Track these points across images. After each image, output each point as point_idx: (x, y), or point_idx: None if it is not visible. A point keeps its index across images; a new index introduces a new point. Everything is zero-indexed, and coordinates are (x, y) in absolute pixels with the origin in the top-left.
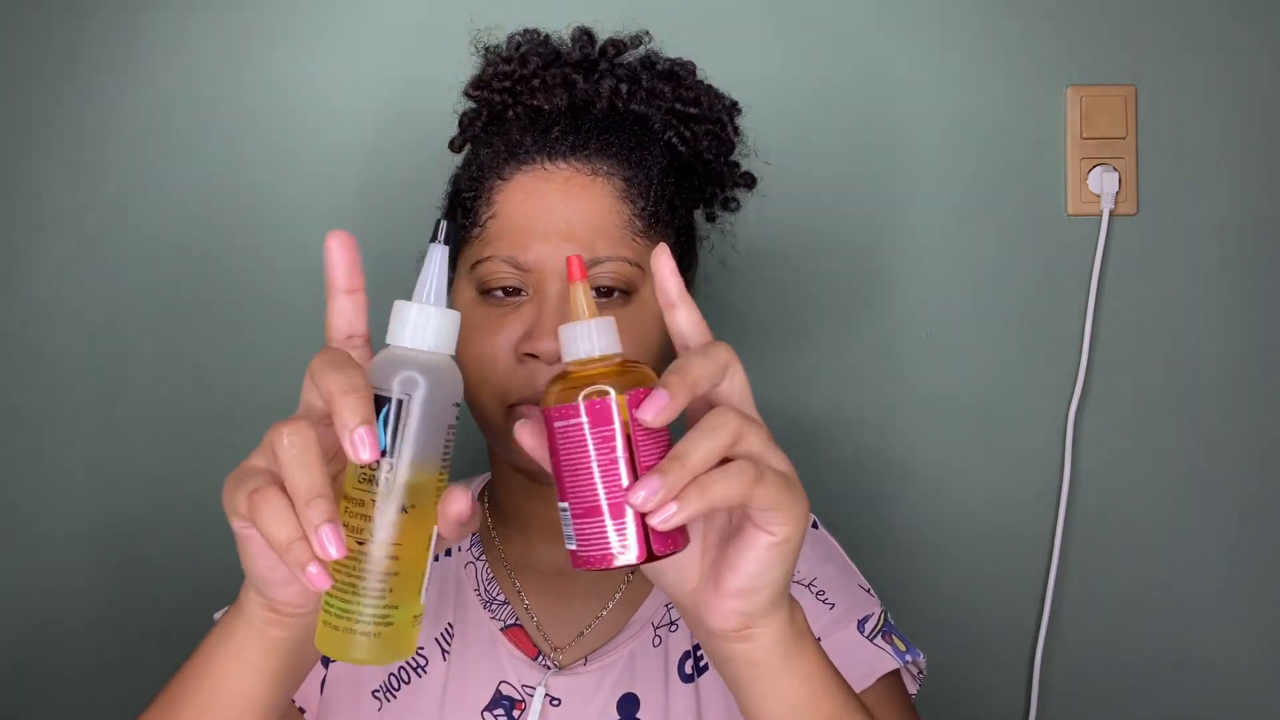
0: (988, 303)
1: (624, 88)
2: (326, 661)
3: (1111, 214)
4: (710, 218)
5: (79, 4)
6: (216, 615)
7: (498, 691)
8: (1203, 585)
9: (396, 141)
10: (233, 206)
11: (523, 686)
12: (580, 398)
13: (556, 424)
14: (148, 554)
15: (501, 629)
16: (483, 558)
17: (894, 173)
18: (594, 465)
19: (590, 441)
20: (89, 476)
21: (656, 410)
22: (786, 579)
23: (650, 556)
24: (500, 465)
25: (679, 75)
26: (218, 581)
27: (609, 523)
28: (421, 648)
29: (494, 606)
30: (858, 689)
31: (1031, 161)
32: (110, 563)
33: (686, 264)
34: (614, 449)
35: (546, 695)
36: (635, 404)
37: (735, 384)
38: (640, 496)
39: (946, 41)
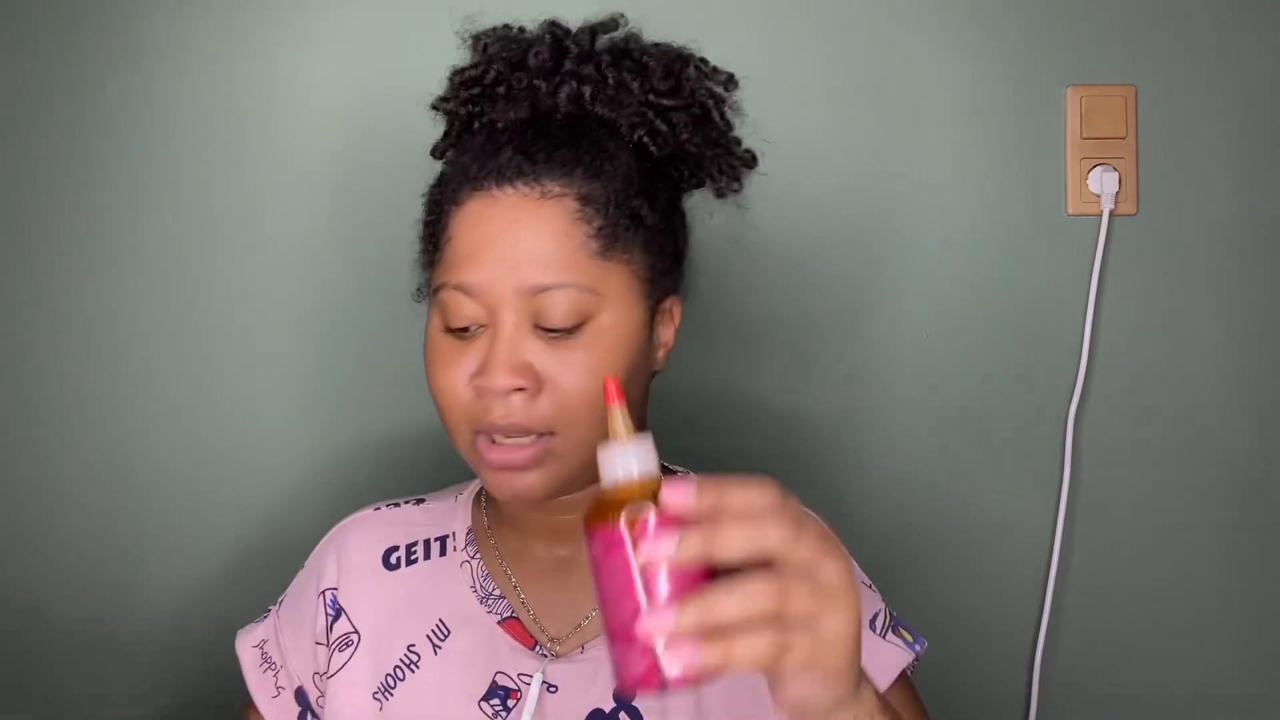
0: (988, 302)
1: (586, 91)
2: (301, 699)
3: (1111, 214)
4: (719, 194)
5: (72, 4)
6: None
7: (493, 682)
8: (1202, 585)
9: (386, 140)
10: (222, 207)
11: (519, 675)
12: (613, 522)
13: (593, 544)
14: (146, 556)
15: (498, 622)
16: (478, 556)
17: (894, 172)
18: (621, 588)
19: (618, 565)
20: (89, 477)
21: (680, 494)
22: (846, 696)
23: (665, 687)
24: None
25: (648, 66)
26: (215, 586)
27: (628, 647)
28: (413, 645)
29: (490, 601)
30: (881, 689)
31: (1031, 161)
32: (109, 564)
33: (663, 268)
34: (634, 573)
35: (544, 682)
36: (662, 528)
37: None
38: (652, 625)
39: (947, 41)
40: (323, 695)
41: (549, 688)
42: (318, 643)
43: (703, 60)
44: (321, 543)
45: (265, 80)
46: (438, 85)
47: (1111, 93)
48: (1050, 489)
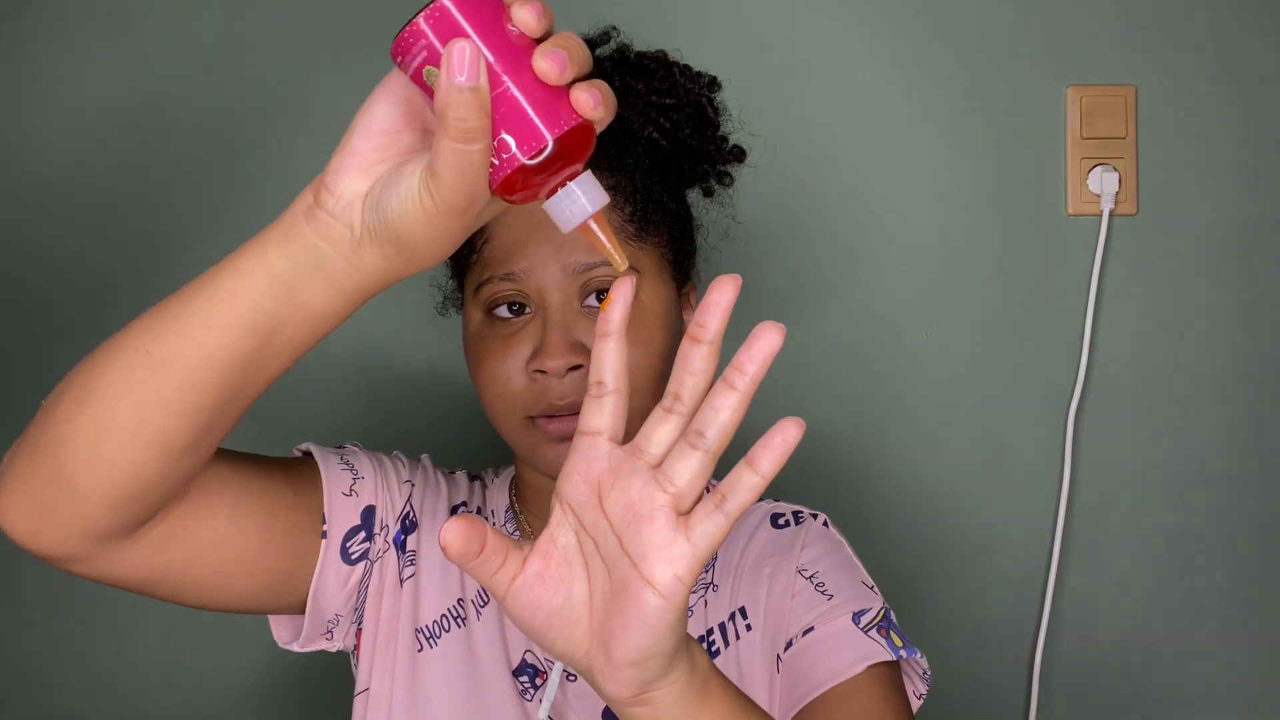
0: (988, 303)
1: None
2: (367, 519)
3: (1111, 214)
4: (707, 193)
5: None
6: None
7: (524, 660)
8: (1202, 585)
9: None
10: (250, 207)
11: (545, 658)
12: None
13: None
14: None
15: None
16: (517, 534)
17: (894, 172)
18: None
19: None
20: None
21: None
22: (679, 644)
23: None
24: (523, 463)
25: (650, 68)
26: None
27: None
28: (461, 599)
29: None
30: (843, 676)
31: (1031, 161)
32: None
33: (686, 253)
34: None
35: (565, 670)
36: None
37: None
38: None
39: (946, 41)
40: (386, 550)
41: (569, 675)
42: (397, 501)
43: (687, 66)
44: (420, 458)
45: (288, 78)
46: None
47: (1111, 93)
48: (1050, 489)
